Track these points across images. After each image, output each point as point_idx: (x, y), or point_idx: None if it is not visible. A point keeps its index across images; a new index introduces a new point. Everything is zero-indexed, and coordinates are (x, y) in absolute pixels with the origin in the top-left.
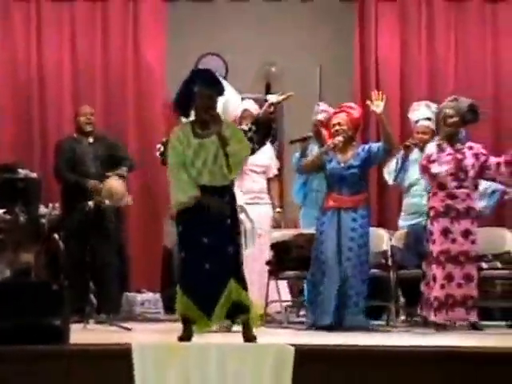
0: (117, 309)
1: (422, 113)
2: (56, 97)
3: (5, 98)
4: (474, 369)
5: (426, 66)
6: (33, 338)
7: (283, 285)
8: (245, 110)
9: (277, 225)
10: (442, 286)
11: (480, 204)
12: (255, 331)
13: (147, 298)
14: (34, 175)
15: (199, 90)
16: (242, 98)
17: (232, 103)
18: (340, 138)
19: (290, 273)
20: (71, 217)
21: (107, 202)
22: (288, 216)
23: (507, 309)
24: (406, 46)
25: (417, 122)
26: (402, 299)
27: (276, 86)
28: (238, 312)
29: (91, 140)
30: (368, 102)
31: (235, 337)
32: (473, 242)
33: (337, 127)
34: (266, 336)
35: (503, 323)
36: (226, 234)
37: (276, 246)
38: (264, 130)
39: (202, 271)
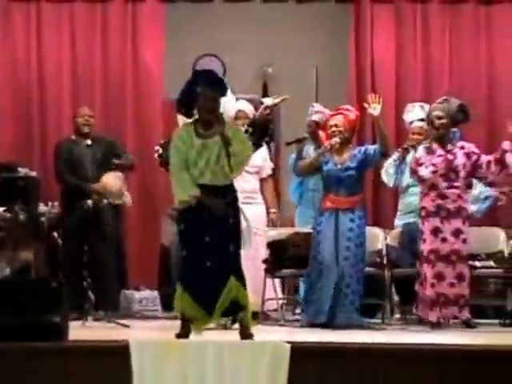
0: (115, 306)
1: (416, 114)
2: (55, 97)
3: (5, 99)
4: (468, 366)
5: (421, 68)
6: (32, 335)
7: (276, 283)
8: (239, 111)
9: (273, 225)
10: (433, 285)
11: (472, 207)
12: (252, 329)
13: (145, 296)
14: (34, 174)
15: (202, 92)
16: (237, 99)
17: (227, 104)
18: (336, 139)
19: (287, 271)
20: (70, 215)
21: (105, 200)
22: (285, 215)
23: (500, 307)
24: (401, 49)
25: (411, 123)
26: (396, 297)
27: (273, 86)
28: (236, 310)
29: (89, 142)
30: (365, 105)
31: (232, 334)
32: (464, 241)
33: (334, 128)
34: (263, 333)
35: (496, 321)
36: (228, 232)
37: (272, 245)
38: (260, 131)
39: (203, 269)
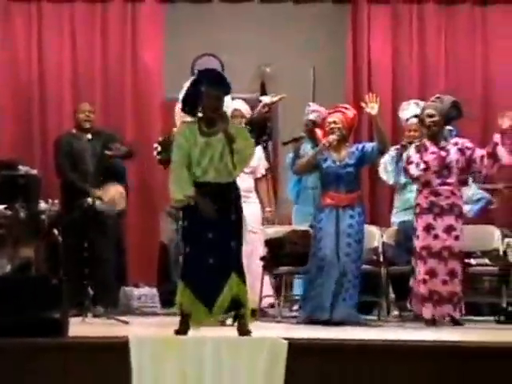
0: (114, 302)
1: (411, 111)
2: (56, 97)
3: (5, 98)
4: (462, 363)
5: (417, 67)
6: (33, 331)
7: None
8: (235, 110)
9: (268, 224)
10: (425, 281)
11: (465, 207)
12: (249, 325)
13: (144, 293)
14: (35, 172)
15: (206, 90)
16: (233, 98)
17: None
18: (334, 137)
19: (284, 268)
20: (70, 213)
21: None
22: (282, 213)
23: (495, 304)
24: (397, 49)
25: (407, 120)
26: (392, 295)
27: (271, 86)
28: (236, 306)
29: (90, 137)
30: (363, 104)
31: (230, 331)
32: (456, 238)
33: (333, 125)
34: (260, 330)
35: (491, 318)
36: (230, 229)
37: (270, 242)
38: (258, 130)
39: (205, 265)
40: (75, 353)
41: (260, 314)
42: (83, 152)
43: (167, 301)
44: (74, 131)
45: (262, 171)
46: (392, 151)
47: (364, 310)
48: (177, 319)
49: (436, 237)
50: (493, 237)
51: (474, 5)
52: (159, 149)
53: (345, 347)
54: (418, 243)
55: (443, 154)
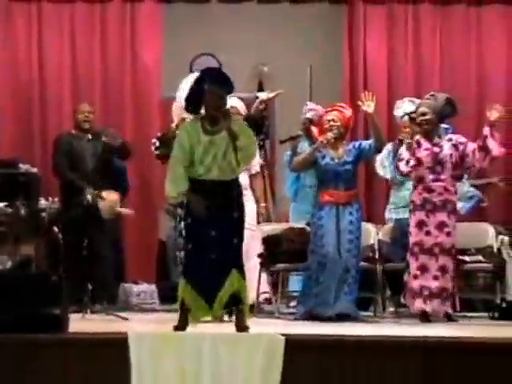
0: (113, 299)
1: (406, 108)
2: (56, 96)
3: (6, 98)
4: (457, 358)
5: (412, 67)
6: (33, 327)
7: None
8: (231, 107)
9: (263, 220)
10: (416, 277)
11: (458, 204)
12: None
13: (143, 289)
14: (35, 170)
15: (209, 89)
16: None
17: None
18: (331, 134)
19: (281, 265)
20: (69, 210)
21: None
22: (280, 210)
23: (489, 301)
24: (393, 48)
25: (402, 117)
26: (388, 291)
27: (268, 85)
28: (236, 302)
29: (89, 137)
30: (359, 103)
31: (228, 327)
32: (448, 235)
33: (331, 123)
34: (258, 326)
35: (486, 314)
36: (233, 226)
37: (267, 240)
38: (255, 127)
39: (207, 262)
40: (75, 349)
41: (257, 310)
42: (83, 152)
43: (166, 297)
44: (73, 131)
45: (256, 168)
46: (389, 146)
47: (361, 307)
48: (176, 315)
49: (428, 233)
50: (487, 234)
51: (468, 5)
52: (157, 144)
53: (342, 343)
54: (410, 239)
55: (436, 150)
